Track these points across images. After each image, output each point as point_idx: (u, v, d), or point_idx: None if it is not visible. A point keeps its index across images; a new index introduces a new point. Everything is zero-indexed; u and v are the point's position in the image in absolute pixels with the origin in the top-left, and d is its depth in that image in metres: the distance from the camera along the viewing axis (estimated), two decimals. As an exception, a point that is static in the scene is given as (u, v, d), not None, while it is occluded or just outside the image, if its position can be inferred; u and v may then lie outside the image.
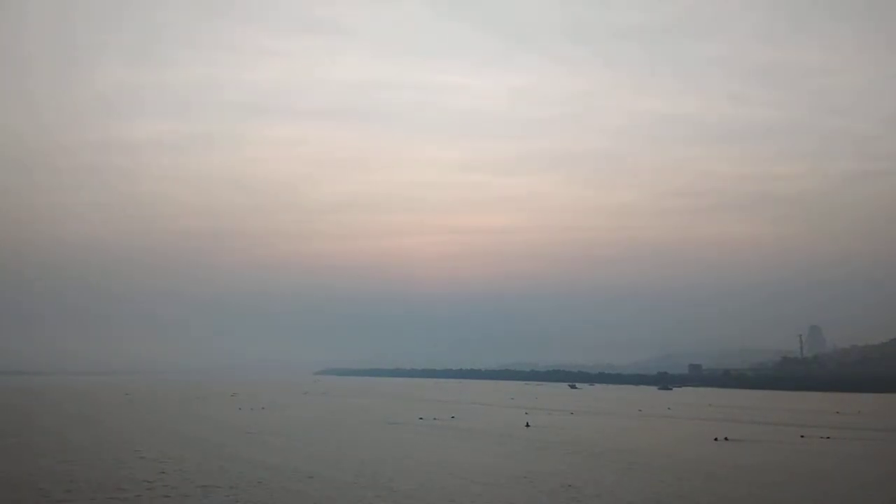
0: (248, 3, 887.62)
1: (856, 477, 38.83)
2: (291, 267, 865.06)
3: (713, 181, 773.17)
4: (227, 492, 31.27)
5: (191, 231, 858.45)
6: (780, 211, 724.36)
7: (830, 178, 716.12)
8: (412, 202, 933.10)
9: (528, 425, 70.18)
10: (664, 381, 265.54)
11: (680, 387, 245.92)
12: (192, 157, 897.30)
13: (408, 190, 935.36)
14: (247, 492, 31.32)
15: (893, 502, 33.16)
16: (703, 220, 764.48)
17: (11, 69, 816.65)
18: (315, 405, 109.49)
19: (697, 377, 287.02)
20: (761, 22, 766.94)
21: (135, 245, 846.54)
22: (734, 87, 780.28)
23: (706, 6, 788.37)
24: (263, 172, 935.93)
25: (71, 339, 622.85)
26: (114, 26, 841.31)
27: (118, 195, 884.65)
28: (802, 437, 62.11)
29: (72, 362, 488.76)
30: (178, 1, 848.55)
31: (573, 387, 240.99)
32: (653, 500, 30.88)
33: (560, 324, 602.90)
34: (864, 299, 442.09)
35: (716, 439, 57.81)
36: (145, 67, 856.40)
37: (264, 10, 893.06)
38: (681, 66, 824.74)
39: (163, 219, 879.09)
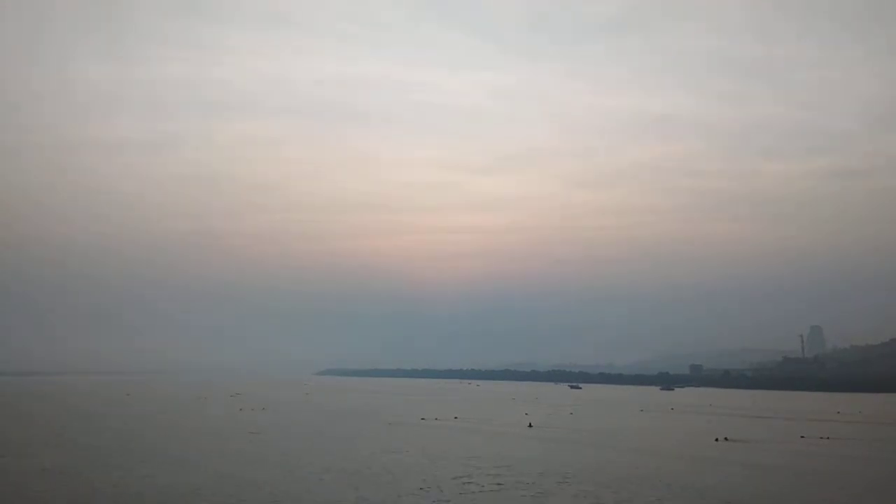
0: (224, 2, 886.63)
1: (854, 478, 39.12)
2: (289, 267, 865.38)
3: (701, 179, 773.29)
4: (227, 492, 31.62)
5: (186, 231, 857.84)
6: (770, 210, 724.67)
7: (816, 176, 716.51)
8: (401, 201, 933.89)
9: (530, 425, 70.47)
10: (665, 381, 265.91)
11: (682, 387, 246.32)
12: (183, 156, 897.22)
13: (395, 189, 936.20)
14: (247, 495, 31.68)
15: None
16: (700, 220, 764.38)
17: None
18: (316, 406, 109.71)
19: (698, 377, 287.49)
20: (740, 16, 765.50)
21: (129, 245, 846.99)
22: (713, 83, 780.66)
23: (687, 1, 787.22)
24: (251, 172, 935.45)
25: (66, 339, 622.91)
26: (89, 25, 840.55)
27: (107, 194, 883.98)
28: (802, 437, 62.41)
29: (67, 362, 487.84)
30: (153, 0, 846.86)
31: (575, 387, 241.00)
32: (652, 501, 31.18)
33: (560, 324, 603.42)
34: (864, 299, 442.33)
35: (716, 440, 58.10)
36: (121, 66, 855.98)
37: (240, 9, 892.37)
38: (663, 62, 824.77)
39: (155, 219, 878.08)
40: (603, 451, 49.51)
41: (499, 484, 34.42)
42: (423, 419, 78.93)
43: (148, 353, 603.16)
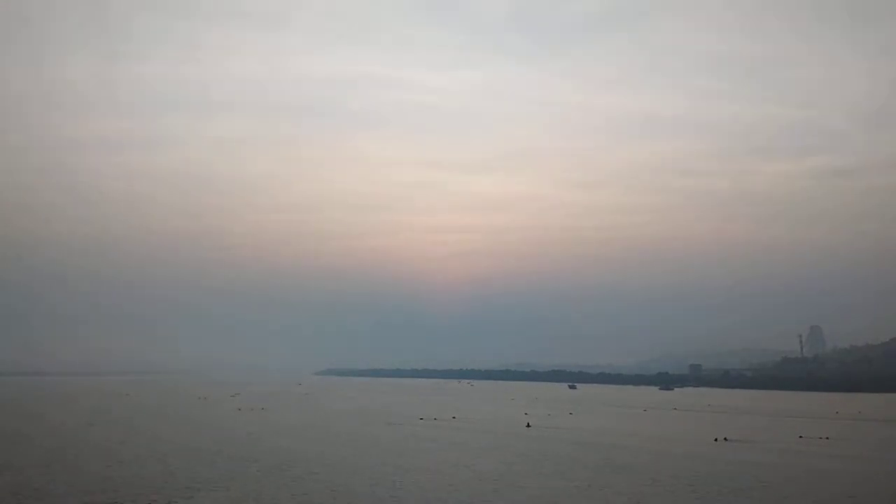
0: (219, 2, 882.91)
1: (854, 478, 39.04)
2: (287, 267, 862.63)
3: (695, 179, 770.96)
4: (230, 490, 31.60)
5: (183, 230, 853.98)
6: (765, 209, 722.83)
7: (809, 175, 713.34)
8: (393, 201, 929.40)
9: (528, 425, 70.38)
10: (665, 381, 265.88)
11: (682, 387, 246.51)
12: (178, 155, 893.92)
13: (386, 189, 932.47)
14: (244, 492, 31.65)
15: None
16: (694, 220, 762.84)
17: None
18: (315, 406, 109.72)
19: (697, 377, 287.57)
20: (730, 14, 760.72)
21: (125, 245, 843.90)
22: (704, 82, 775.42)
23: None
24: (245, 171, 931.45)
25: (63, 340, 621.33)
26: (79, 24, 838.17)
27: (102, 193, 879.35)
28: (801, 437, 62.37)
29: (62, 363, 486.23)
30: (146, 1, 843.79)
31: (572, 387, 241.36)
32: (650, 500, 31.16)
33: (559, 324, 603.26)
34: (864, 299, 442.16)
35: (716, 440, 58.05)
36: (115, 65, 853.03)
37: (235, 8, 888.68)
38: (652, 60, 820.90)
39: (151, 217, 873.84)
40: (602, 450, 49.40)
41: (496, 480, 34.41)
42: (421, 419, 78.90)
43: (147, 353, 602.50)
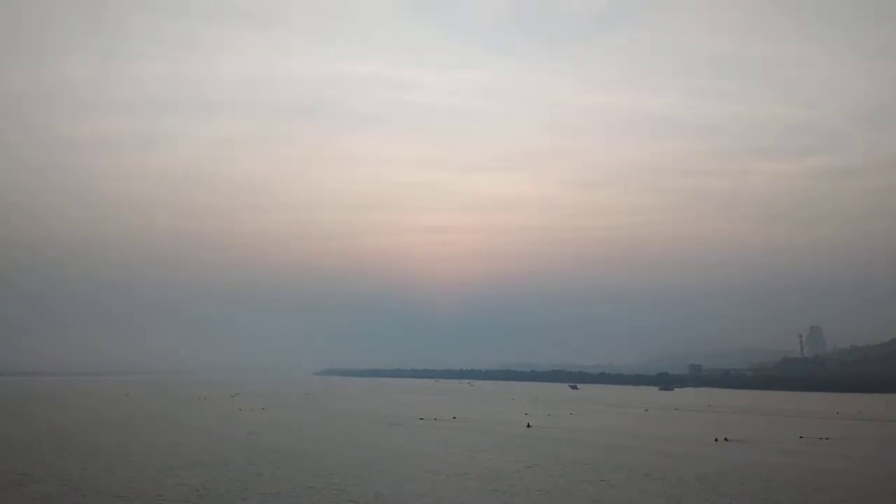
0: (217, 3, 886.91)
1: (854, 479, 39.06)
2: (286, 267, 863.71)
3: (695, 179, 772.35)
4: (230, 490, 31.60)
5: (181, 230, 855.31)
6: (765, 210, 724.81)
7: (810, 175, 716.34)
8: (393, 202, 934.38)
9: (529, 426, 70.45)
10: (665, 381, 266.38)
11: (682, 387, 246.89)
12: (176, 155, 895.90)
13: (385, 189, 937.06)
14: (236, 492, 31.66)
15: None
16: (694, 220, 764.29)
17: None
18: (315, 406, 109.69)
19: (697, 377, 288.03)
20: (729, 14, 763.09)
21: (124, 245, 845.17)
22: (704, 81, 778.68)
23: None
24: (242, 171, 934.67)
25: (62, 340, 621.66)
26: (76, 24, 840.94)
27: (101, 194, 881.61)
28: (801, 437, 62.43)
29: (62, 363, 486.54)
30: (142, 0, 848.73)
31: (573, 387, 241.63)
32: (649, 501, 31.16)
33: (560, 324, 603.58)
34: (864, 299, 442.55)
35: (716, 440, 58.11)
36: (112, 64, 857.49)
37: (233, 9, 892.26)
38: (652, 60, 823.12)
39: (147, 219, 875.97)
40: (602, 451, 49.42)
41: (495, 481, 34.40)
42: (421, 419, 78.90)
43: (147, 353, 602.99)
